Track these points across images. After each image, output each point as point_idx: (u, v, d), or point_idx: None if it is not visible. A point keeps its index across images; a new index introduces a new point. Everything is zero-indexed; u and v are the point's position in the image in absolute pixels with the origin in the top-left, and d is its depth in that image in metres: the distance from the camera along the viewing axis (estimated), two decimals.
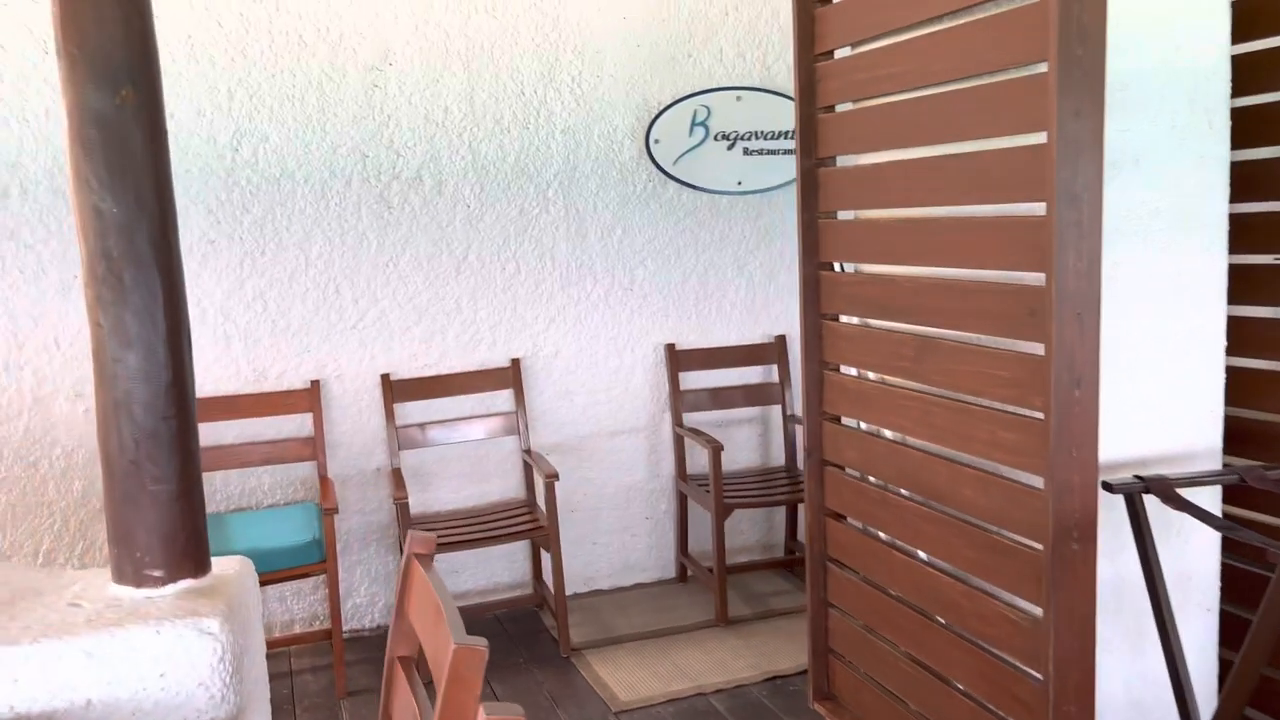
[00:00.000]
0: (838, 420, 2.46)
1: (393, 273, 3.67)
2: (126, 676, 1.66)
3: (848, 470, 2.45)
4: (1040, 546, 1.75)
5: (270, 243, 3.51)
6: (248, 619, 1.89)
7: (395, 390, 3.67)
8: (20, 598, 1.81)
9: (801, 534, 4.20)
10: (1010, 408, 1.83)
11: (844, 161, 2.37)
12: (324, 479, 3.55)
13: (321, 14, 3.48)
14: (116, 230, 1.72)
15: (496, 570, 3.93)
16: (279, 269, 3.54)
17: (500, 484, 3.88)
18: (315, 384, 3.60)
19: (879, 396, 2.24)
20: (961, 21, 1.87)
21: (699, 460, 4.05)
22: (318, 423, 3.59)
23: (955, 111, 1.87)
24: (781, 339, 4.10)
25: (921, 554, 2.19)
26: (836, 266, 2.40)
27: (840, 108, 2.35)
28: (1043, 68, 1.63)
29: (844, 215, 2.39)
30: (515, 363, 3.82)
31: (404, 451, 3.69)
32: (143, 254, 1.74)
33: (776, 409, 4.15)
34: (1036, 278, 1.73)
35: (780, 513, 4.20)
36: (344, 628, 3.67)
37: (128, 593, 1.80)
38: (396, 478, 3.51)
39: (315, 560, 3.25)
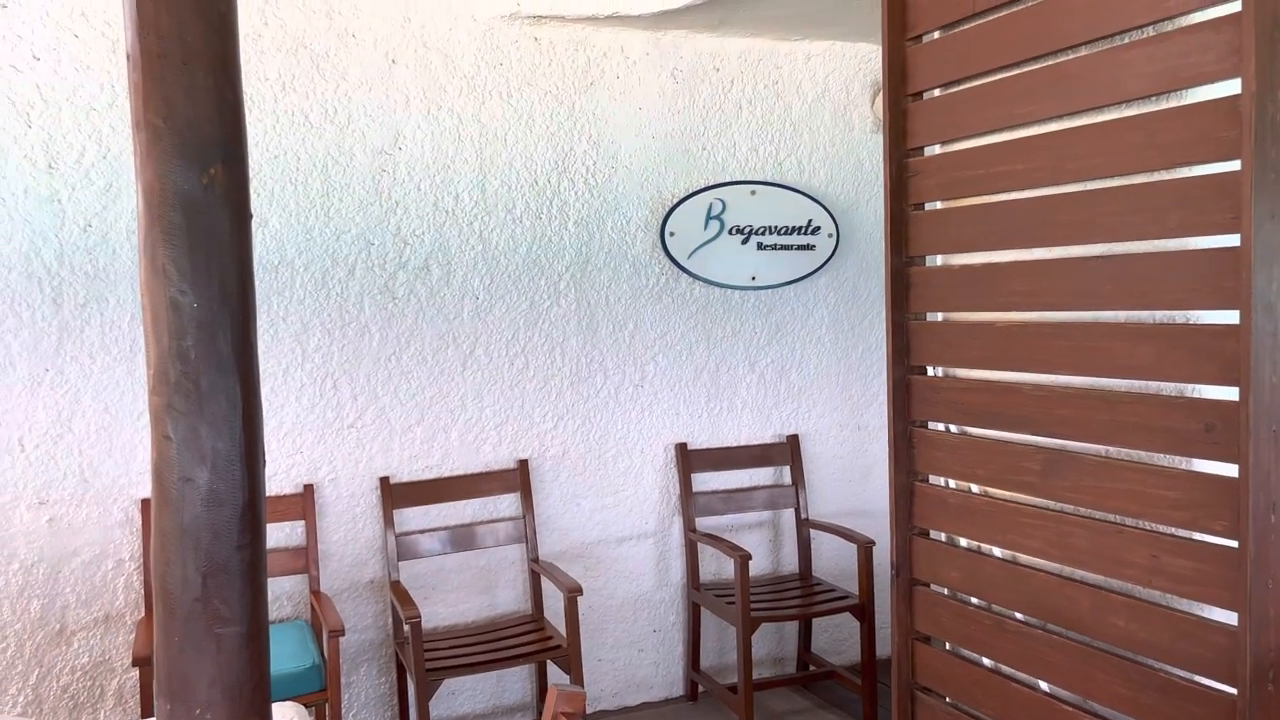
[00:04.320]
0: (926, 535, 2.30)
1: (395, 368, 3.42)
2: None
3: (934, 588, 2.28)
4: (1231, 689, 1.59)
5: (265, 334, 3.23)
6: None
7: (395, 495, 3.38)
8: None
9: (816, 647, 3.99)
10: (1180, 531, 1.69)
11: (932, 260, 2.27)
12: (318, 594, 3.21)
13: (330, 94, 3.29)
14: (197, 328, 1.47)
15: (497, 691, 3.61)
16: (273, 362, 3.26)
17: (505, 596, 3.59)
18: (308, 488, 3.30)
19: (990, 512, 2.09)
20: (1106, 119, 1.79)
21: (710, 567, 3.83)
22: (311, 531, 3.28)
23: (1107, 211, 1.78)
24: (794, 439, 3.95)
25: (1043, 685, 2.02)
26: (930, 371, 2.26)
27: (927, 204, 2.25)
28: (1232, 166, 1.54)
29: (932, 316, 2.27)
30: (523, 464, 3.57)
31: (402, 562, 3.38)
32: (224, 356, 1.49)
33: (788, 513, 3.97)
34: (1217, 391, 1.62)
35: (789, 625, 3.98)
36: None
37: None
38: (398, 591, 3.20)
39: (315, 688, 2.90)
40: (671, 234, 3.73)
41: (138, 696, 3.03)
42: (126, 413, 3.09)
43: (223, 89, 1.51)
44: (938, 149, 2.24)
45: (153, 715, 1.60)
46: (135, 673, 3.01)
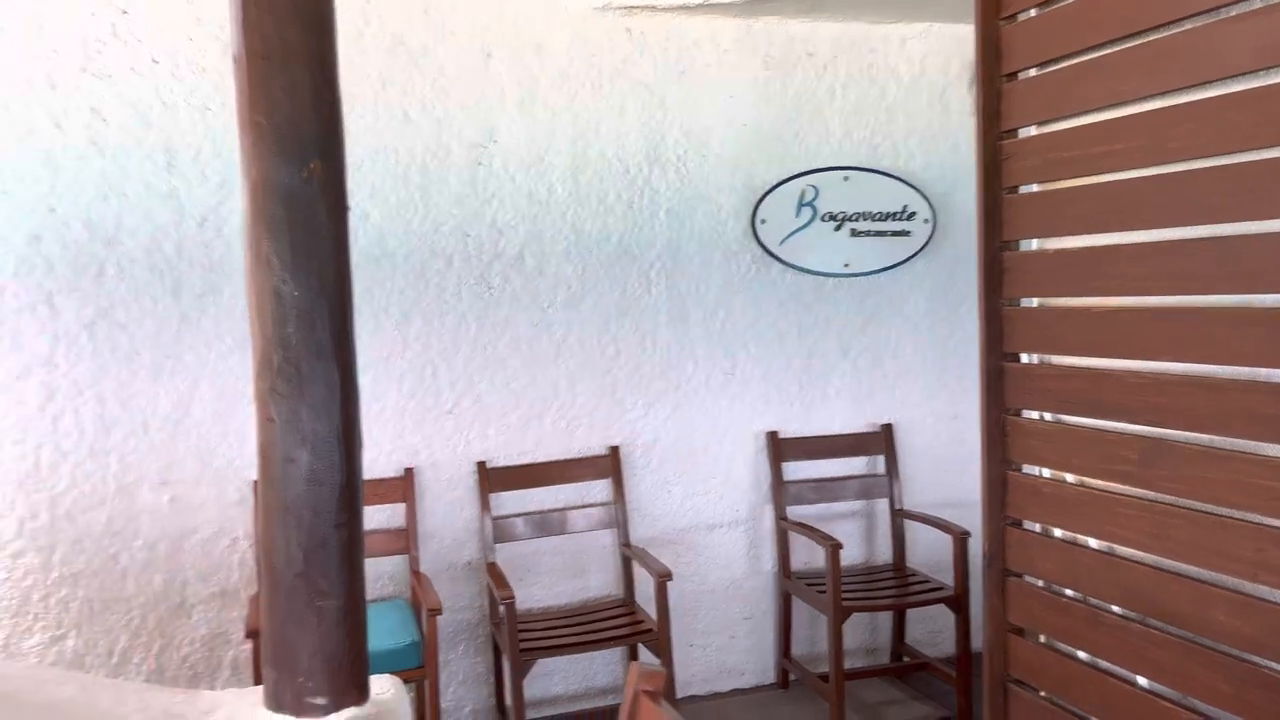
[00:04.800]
0: (1019, 525, 2.25)
1: (491, 356, 3.50)
2: None
3: (1027, 579, 2.23)
4: None
5: (367, 324, 3.35)
6: None
7: (491, 479, 3.47)
8: None
9: (910, 638, 3.94)
10: None
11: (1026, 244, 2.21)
12: (418, 574, 3.33)
13: (427, 91, 3.38)
14: (297, 316, 1.55)
15: (589, 673, 3.68)
16: (375, 351, 3.38)
17: (597, 579, 3.65)
18: (409, 472, 3.41)
19: (1086, 502, 2.03)
20: (1212, 95, 1.72)
21: (802, 556, 3.81)
22: (411, 513, 3.39)
23: (1212, 191, 1.71)
24: (888, 428, 3.90)
25: (1141, 680, 1.96)
26: (1025, 358, 2.21)
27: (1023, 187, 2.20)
28: None
29: (1027, 302, 2.22)
30: (614, 450, 3.62)
31: (498, 544, 3.47)
32: (322, 342, 1.57)
33: (881, 502, 3.93)
34: None
35: (883, 615, 3.94)
36: None
37: None
38: (494, 573, 3.29)
39: (414, 665, 3.01)
40: (763, 221, 3.72)
41: (251, 667, 3.19)
42: (240, 399, 3.25)
43: (321, 87, 1.58)
44: (1034, 130, 2.18)
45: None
46: (249, 645, 3.16)
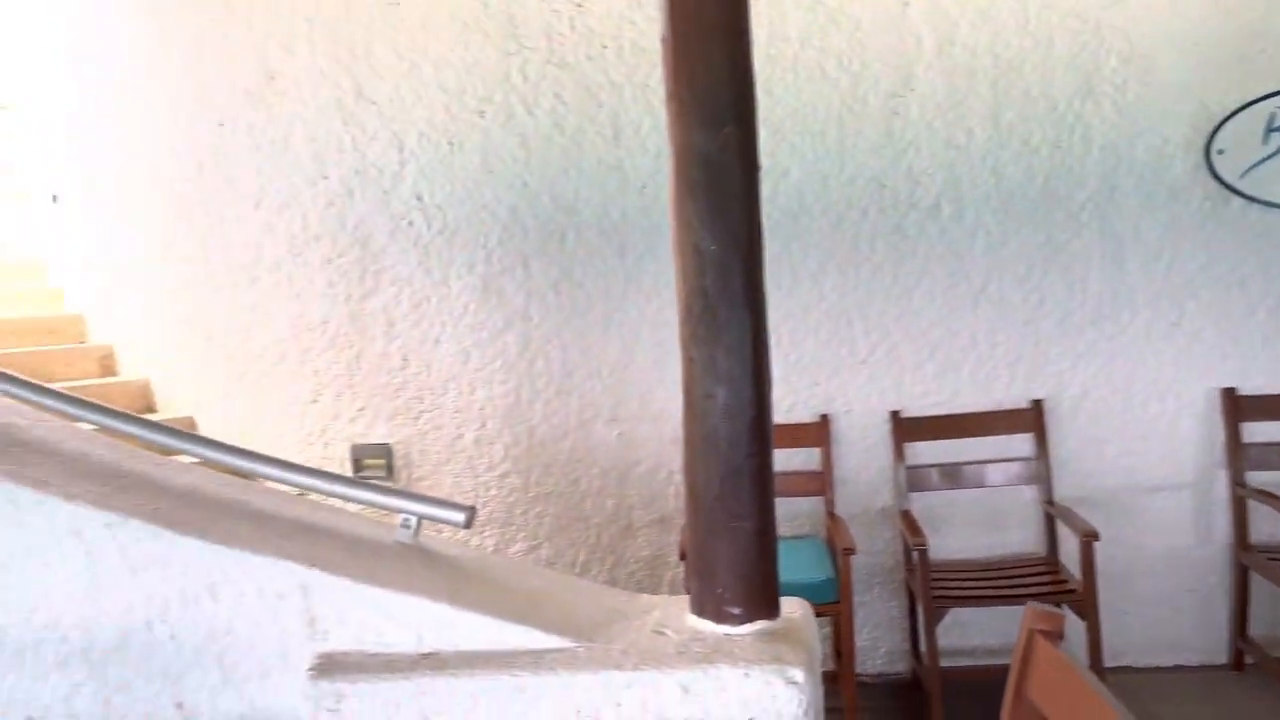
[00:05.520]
0: None
1: (905, 306, 3.52)
2: (717, 716, 1.65)
3: None
4: None
5: (785, 277, 3.53)
6: (818, 669, 1.82)
7: (905, 428, 3.51)
8: (611, 620, 1.90)
9: None
10: None
11: None
12: (833, 516, 3.48)
13: (844, 45, 3.45)
14: (714, 269, 1.74)
15: (1008, 629, 3.57)
16: (793, 302, 3.56)
17: (1017, 536, 3.55)
18: (824, 418, 3.56)
19: None
20: None
21: (1263, 527, 3.39)
22: (826, 458, 3.54)
23: None
24: None
25: None
26: None
27: None
28: None
29: None
30: (1037, 404, 3.48)
31: (912, 493, 3.51)
32: (736, 293, 1.75)
33: None
34: None
35: None
36: None
37: (708, 627, 1.81)
38: (907, 520, 3.34)
39: (829, 600, 3.17)
40: (1220, 152, 3.32)
41: (684, 586, 3.57)
42: (674, 347, 3.58)
43: (735, 59, 1.75)
44: None
45: None
46: (683, 566, 3.53)
